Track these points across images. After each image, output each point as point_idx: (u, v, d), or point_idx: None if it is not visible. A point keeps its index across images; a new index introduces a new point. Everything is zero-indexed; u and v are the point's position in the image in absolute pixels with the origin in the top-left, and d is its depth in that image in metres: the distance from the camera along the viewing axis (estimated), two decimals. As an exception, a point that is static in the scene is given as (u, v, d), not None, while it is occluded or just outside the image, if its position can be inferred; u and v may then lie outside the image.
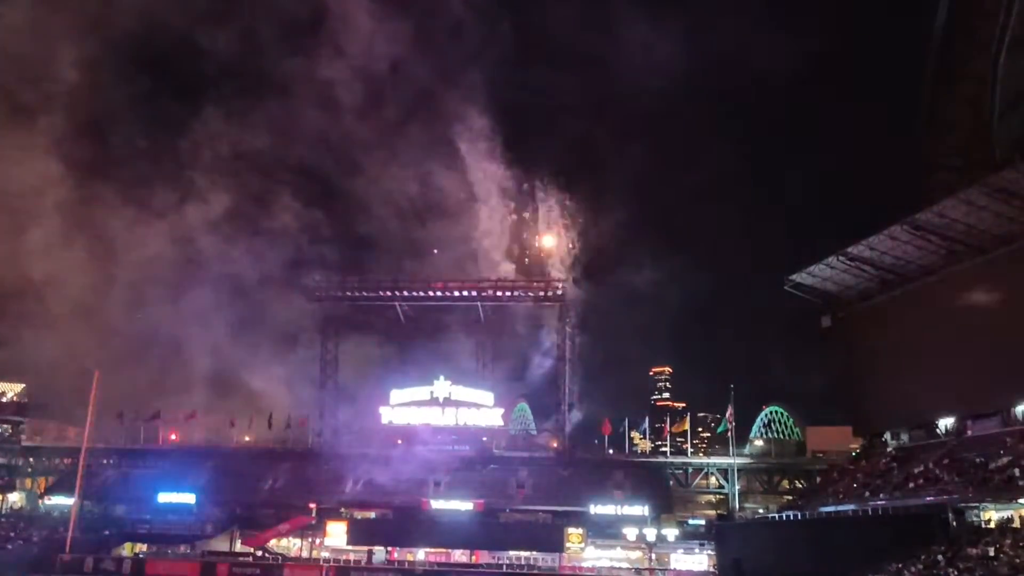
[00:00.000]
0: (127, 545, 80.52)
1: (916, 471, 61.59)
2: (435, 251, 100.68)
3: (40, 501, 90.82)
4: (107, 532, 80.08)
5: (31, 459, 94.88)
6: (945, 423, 65.99)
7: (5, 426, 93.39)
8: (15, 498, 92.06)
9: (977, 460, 56.52)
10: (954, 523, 51.20)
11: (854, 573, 50.38)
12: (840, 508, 63.61)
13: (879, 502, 60.24)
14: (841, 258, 67.94)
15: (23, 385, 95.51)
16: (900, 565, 49.03)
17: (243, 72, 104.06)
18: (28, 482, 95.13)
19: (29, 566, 71.72)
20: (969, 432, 62.85)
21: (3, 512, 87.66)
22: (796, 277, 73.12)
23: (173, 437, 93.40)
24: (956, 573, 45.73)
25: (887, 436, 72.58)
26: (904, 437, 70.75)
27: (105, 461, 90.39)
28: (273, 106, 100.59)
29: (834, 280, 71.87)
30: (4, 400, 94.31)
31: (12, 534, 79.50)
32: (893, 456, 69.18)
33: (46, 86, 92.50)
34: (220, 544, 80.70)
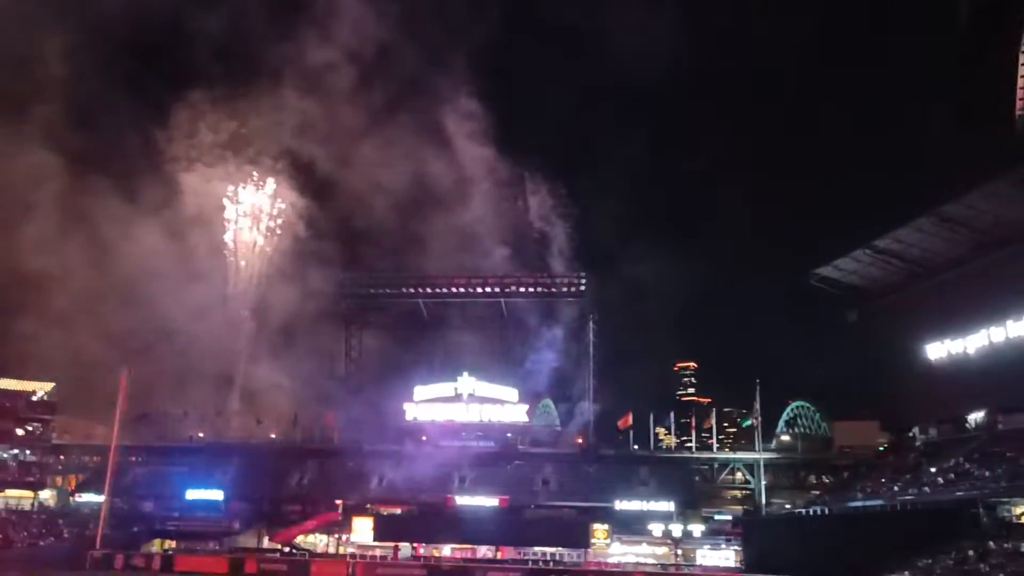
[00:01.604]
0: (156, 541, 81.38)
1: (946, 466, 61.04)
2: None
3: (71, 498, 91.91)
4: (136, 529, 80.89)
5: (61, 457, 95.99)
6: (975, 417, 65.26)
7: (36, 424, 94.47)
8: (46, 495, 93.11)
9: (1008, 454, 55.88)
10: (985, 518, 50.61)
11: (883, 569, 49.90)
12: (868, 503, 63.20)
13: (908, 497, 59.72)
14: (867, 251, 67.34)
15: (53, 384, 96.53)
16: (930, 560, 48.53)
17: (231, 59, 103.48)
18: (59, 480, 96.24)
19: (61, 562, 72.58)
20: (1000, 426, 62.14)
21: (35, 509, 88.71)
22: (822, 271, 72.60)
23: (200, 435, 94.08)
24: (987, 568, 45.19)
25: (915, 431, 71.92)
26: (933, 432, 70.02)
27: (134, 459, 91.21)
28: (263, 93, 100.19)
29: (860, 273, 71.27)
30: (34, 399, 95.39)
31: (44, 531, 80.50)
32: (922, 451, 68.58)
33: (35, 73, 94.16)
34: (248, 540, 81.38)
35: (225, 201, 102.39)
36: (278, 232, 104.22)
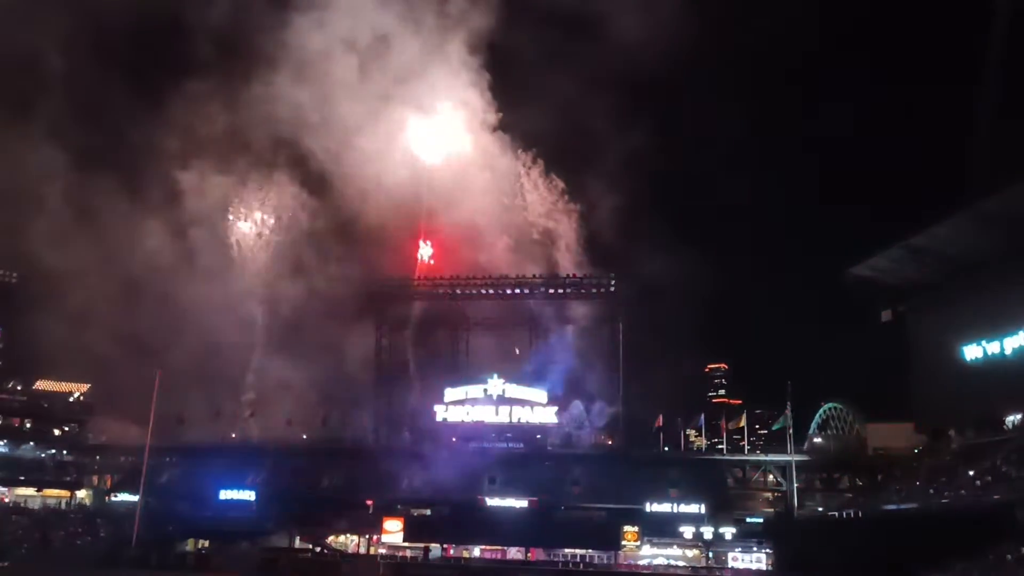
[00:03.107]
0: (190, 540, 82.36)
1: (982, 468, 60.05)
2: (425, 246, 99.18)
3: (107, 498, 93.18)
4: (170, 528, 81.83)
5: (97, 457, 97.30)
6: (1013, 419, 64.20)
7: (73, 425, 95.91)
8: (83, 495, 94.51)
9: (1047, 457, 54.89)
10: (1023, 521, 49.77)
11: (919, 572, 49.27)
12: (903, 506, 62.35)
13: (944, 500, 58.86)
14: (902, 250, 66.39)
15: (89, 385, 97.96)
16: (967, 564, 47.85)
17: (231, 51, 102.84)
18: (95, 479, 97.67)
19: (98, 560, 73.72)
20: (1038, 428, 61.10)
21: (72, 508, 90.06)
22: (856, 270, 71.80)
23: (233, 435, 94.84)
24: (1026, 573, 44.46)
25: (951, 432, 70.77)
26: (969, 433, 68.86)
27: (167, 459, 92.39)
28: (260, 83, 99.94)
29: (895, 272, 70.35)
30: (71, 400, 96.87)
31: (81, 529, 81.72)
32: (958, 453, 67.47)
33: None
34: (279, 540, 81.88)
35: (237, 199, 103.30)
36: (298, 229, 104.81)
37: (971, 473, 60.71)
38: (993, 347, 63.81)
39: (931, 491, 62.34)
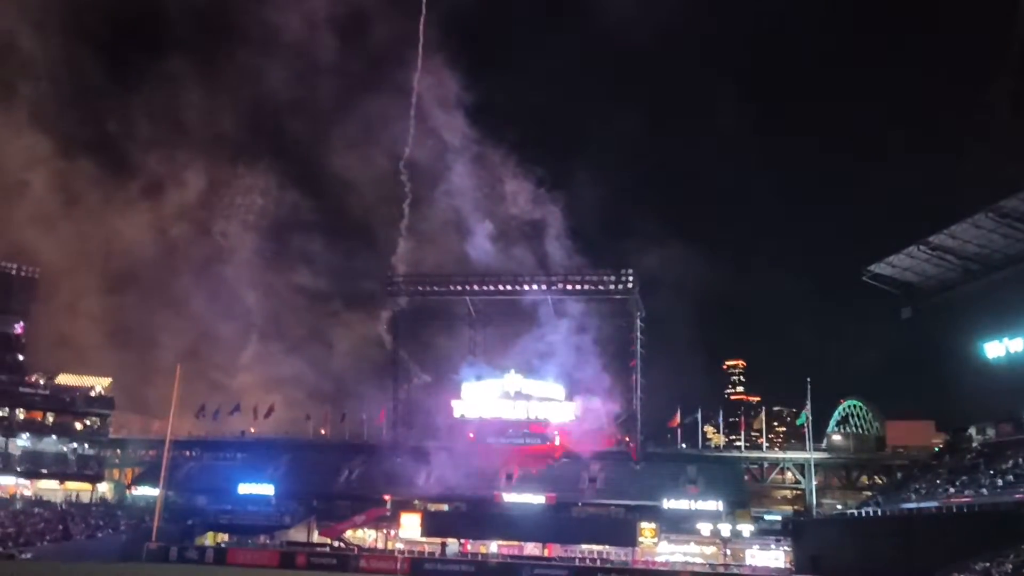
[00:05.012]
0: (209, 534, 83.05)
1: (1004, 467, 59.64)
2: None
3: (127, 491, 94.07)
4: (190, 522, 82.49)
5: (118, 451, 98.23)
6: (1034, 417, 63.65)
7: (94, 419, 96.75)
8: (104, 489, 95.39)
9: (1069, 456, 54.43)
10: (1045, 521, 49.38)
11: (939, 572, 48.99)
12: (923, 505, 61.99)
13: (964, 499, 58.45)
14: (922, 247, 66.03)
15: (110, 379, 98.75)
16: (988, 564, 47.47)
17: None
18: (116, 473, 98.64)
19: (118, 554, 74.43)
20: (1060, 427, 60.56)
21: (93, 502, 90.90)
22: (874, 267, 71.34)
23: (252, 430, 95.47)
24: (1048, 573, 44.11)
25: (972, 431, 70.29)
26: (990, 432, 68.36)
27: (188, 453, 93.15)
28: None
29: (914, 270, 69.91)
30: (92, 394, 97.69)
31: (102, 523, 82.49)
32: (979, 451, 67.03)
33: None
34: (298, 534, 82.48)
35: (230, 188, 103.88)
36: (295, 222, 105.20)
37: (992, 472, 60.31)
38: (1015, 344, 63.30)
39: (951, 490, 61.94)
